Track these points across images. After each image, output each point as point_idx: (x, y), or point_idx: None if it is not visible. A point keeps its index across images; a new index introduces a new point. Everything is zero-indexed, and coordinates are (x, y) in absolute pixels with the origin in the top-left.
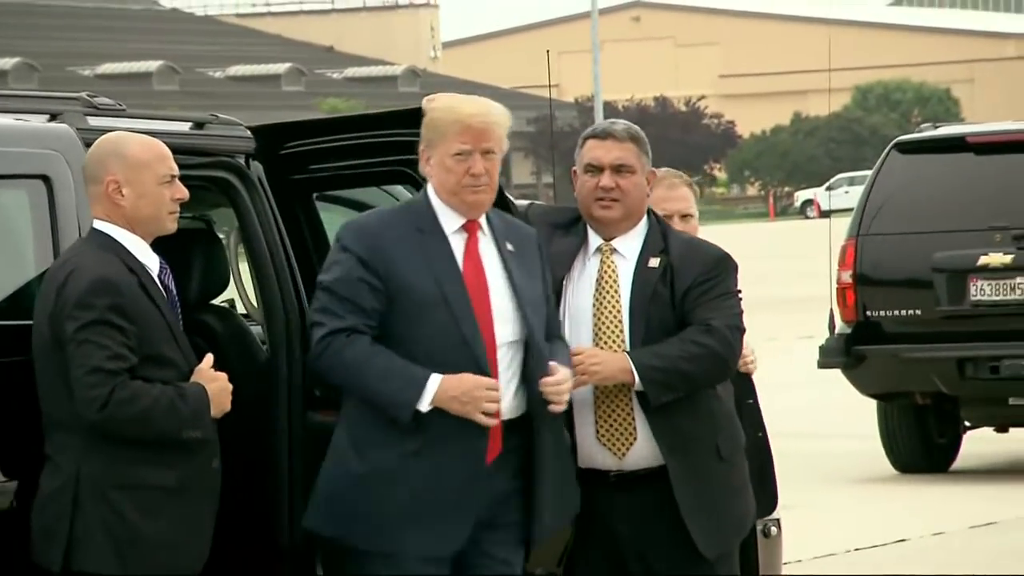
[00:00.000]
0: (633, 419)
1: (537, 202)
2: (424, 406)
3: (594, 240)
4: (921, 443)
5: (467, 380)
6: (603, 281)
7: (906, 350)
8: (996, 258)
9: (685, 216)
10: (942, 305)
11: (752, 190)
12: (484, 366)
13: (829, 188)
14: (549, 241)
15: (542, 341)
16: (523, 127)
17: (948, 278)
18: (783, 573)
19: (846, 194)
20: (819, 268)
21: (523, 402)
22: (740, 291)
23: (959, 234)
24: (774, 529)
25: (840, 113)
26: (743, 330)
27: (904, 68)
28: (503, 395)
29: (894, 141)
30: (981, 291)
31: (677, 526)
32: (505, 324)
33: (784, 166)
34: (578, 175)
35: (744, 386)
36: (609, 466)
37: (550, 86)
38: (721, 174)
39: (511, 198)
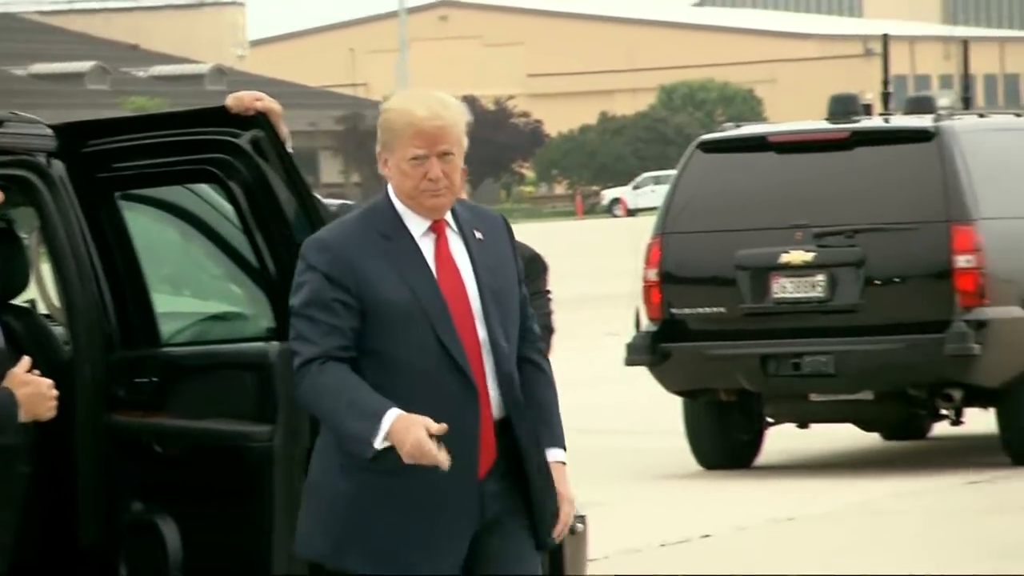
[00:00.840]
0: None
1: (348, 202)
2: (378, 444)
3: (422, 222)
4: (725, 439)
5: (411, 433)
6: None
7: (710, 347)
8: (797, 256)
9: None
10: (745, 303)
11: (560, 189)
12: (468, 373)
13: (636, 187)
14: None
15: (512, 339)
16: (331, 126)
17: (751, 276)
18: (588, 573)
19: (652, 193)
20: (626, 266)
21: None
22: (550, 291)
23: (761, 232)
24: (580, 526)
25: (646, 113)
26: (553, 330)
27: (708, 68)
28: (492, 398)
29: (697, 140)
30: (783, 288)
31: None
32: (481, 323)
33: (591, 165)
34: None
35: None
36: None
37: (354, 85)
38: (529, 173)
39: (320, 197)
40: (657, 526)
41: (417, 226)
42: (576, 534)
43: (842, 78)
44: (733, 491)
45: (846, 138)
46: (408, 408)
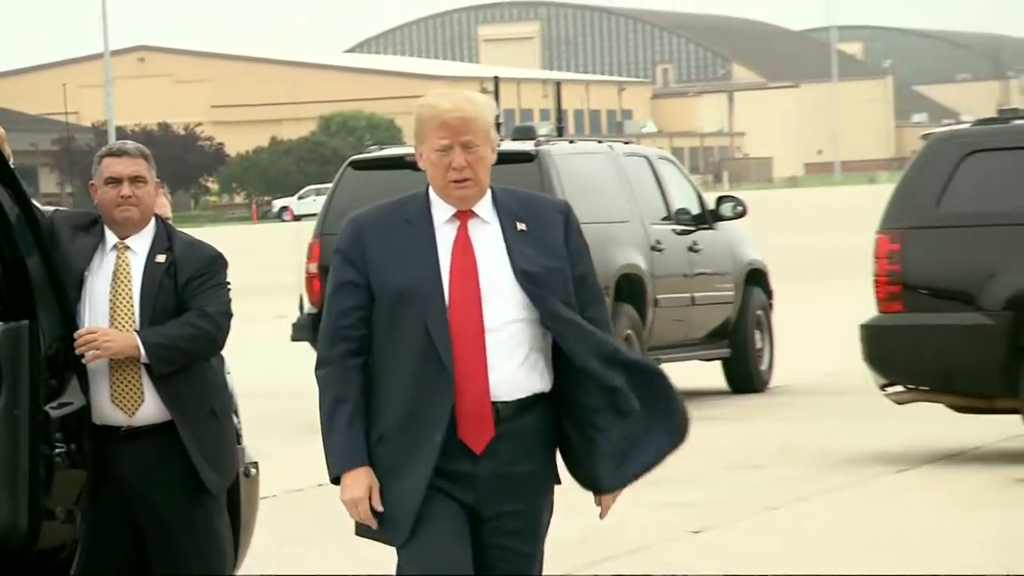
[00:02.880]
0: (141, 385)
1: (61, 208)
2: (331, 478)
3: (111, 239)
4: None
5: (353, 492)
6: (118, 273)
7: None
8: None
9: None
10: None
11: (239, 199)
12: (443, 356)
13: (300, 197)
14: (72, 240)
15: (562, 311)
16: (48, 147)
17: None
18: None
19: (313, 202)
20: (291, 261)
21: (539, 380)
22: (229, 283)
23: None
24: (253, 470)
25: (308, 137)
26: (231, 315)
27: (358, 102)
28: (504, 376)
29: (349, 160)
30: None
31: (184, 469)
32: (504, 303)
33: (264, 179)
34: (97, 187)
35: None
36: (120, 422)
37: (67, 113)
38: (213, 186)
39: (38, 204)
40: (314, 471)
41: (442, 214)
42: (250, 477)
43: None
44: None
45: None
46: (395, 386)
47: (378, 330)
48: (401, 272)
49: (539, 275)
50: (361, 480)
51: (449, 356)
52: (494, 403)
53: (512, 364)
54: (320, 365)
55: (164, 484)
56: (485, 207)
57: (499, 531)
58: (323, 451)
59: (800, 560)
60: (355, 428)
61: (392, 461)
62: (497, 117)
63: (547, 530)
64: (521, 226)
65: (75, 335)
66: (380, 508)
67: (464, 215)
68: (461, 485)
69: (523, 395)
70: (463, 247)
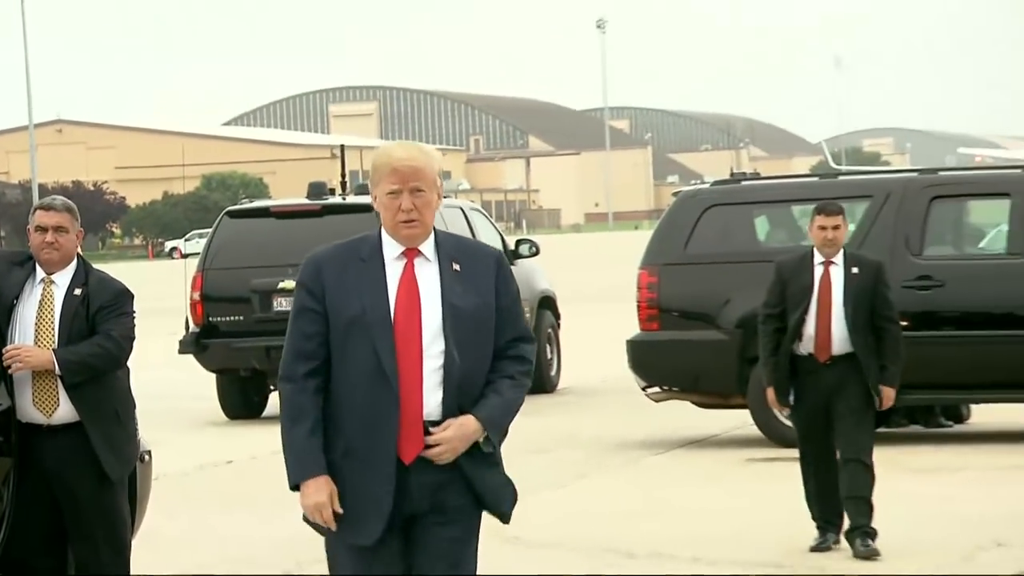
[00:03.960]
0: (57, 392)
1: (2, 249)
2: (291, 486)
3: (40, 273)
4: (244, 400)
5: (315, 499)
6: (43, 302)
7: (235, 342)
8: (289, 284)
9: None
10: (256, 313)
11: (137, 240)
12: (392, 380)
13: (187, 239)
14: (8, 274)
15: (459, 350)
16: None
17: (260, 296)
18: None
19: (197, 243)
20: (179, 290)
21: (468, 402)
22: (135, 312)
23: (267, 268)
24: (147, 457)
25: (194, 192)
26: (133, 338)
27: (233, 164)
28: (437, 398)
29: (226, 210)
30: (280, 304)
31: (92, 460)
32: (435, 338)
33: (158, 225)
34: (31, 233)
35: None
36: (41, 421)
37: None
38: (117, 230)
39: None
40: (198, 455)
41: (392, 252)
42: (144, 463)
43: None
44: (248, 433)
45: (319, 210)
46: (348, 402)
47: (334, 354)
48: (355, 303)
49: (463, 309)
50: (322, 487)
51: (395, 376)
52: (426, 421)
53: (443, 387)
54: (283, 380)
55: (76, 471)
56: (429, 247)
57: (429, 528)
58: (284, 460)
59: (582, 527)
60: (314, 440)
61: (357, 470)
62: (343, 177)
63: (478, 525)
64: (456, 267)
65: (3, 350)
66: (340, 511)
67: (411, 252)
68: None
69: (450, 414)
70: (408, 282)
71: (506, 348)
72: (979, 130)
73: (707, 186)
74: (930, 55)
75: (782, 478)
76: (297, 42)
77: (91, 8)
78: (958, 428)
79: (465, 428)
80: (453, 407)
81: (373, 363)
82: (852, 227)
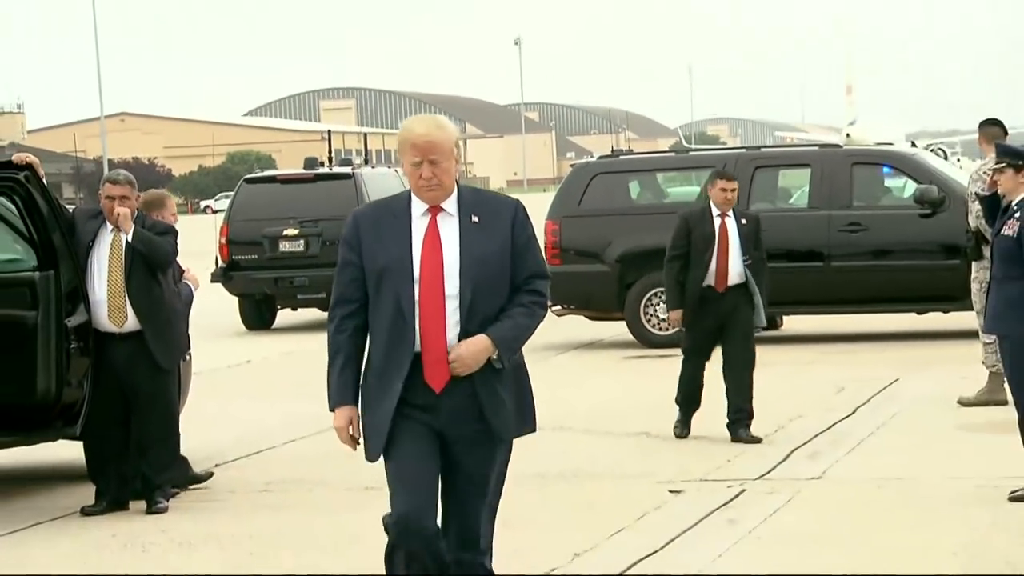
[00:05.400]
0: (126, 308)
1: (80, 207)
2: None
3: (109, 225)
4: (259, 316)
5: (337, 421)
6: (114, 244)
7: (252, 274)
8: (291, 231)
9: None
10: (267, 253)
11: (180, 201)
12: (410, 318)
13: (216, 199)
14: (84, 224)
15: (474, 291)
16: (68, 171)
17: (269, 240)
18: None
19: (224, 202)
20: (212, 236)
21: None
22: (177, 238)
23: (274, 220)
24: (188, 357)
25: (221, 165)
26: (177, 252)
27: (249, 145)
28: (451, 336)
29: (244, 178)
30: (285, 247)
31: (150, 357)
32: (455, 282)
33: (195, 190)
34: (101, 198)
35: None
36: (114, 330)
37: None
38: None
39: (63, 204)
40: (226, 357)
41: (418, 209)
42: (186, 362)
43: (310, 150)
44: (262, 340)
45: (312, 178)
46: (378, 337)
47: (370, 298)
48: (383, 254)
49: (480, 255)
50: (343, 414)
51: (413, 318)
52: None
53: (462, 325)
54: (329, 320)
55: (139, 365)
56: (451, 203)
57: (460, 445)
58: (327, 385)
59: None
60: (345, 374)
61: (370, 397)
62: (330, 153)
63: (509, 450)
64: (475, 218)
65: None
66: (358, 436)
67: (434, 209)
68: (429, 414)
69: None
70: (432, 235)
71: (522, 284)
72: (790, 119)
73: (595, 160)
74: (761, 61)
75: (649, 372)
76: (295, 49)
77: (137, 22)
78: (773, 332)
79: (476, 344)
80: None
81: (396, 305)
82: (697, 189)
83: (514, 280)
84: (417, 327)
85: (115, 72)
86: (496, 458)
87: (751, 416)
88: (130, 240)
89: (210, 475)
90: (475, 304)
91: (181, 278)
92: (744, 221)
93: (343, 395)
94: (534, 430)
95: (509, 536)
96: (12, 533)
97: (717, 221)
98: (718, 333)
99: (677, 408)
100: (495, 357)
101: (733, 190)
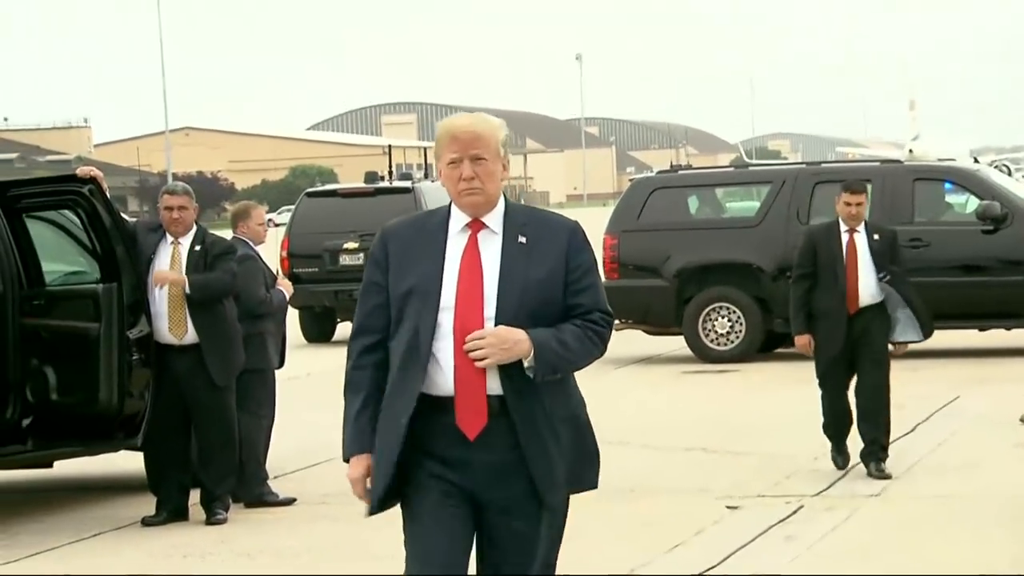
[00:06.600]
0: (186, 320)
1: (142, 220)
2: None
3: (169, 238)
4: (321, 328)
5: (352, 473)
6: (173, 257)
7: (312, 287)
8: (352, 245)
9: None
10: (327, 266)
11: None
12: (424, 350)
13: (278, 212)
14: (146, 237)
15: (514, 320)
16: (132, 184)
17: (330, 254)
18: None
19: (286, 213)
20: (274, 250)
21: (505, 380)
22: (236, 258)
23: (335, 234)
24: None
25: (283, 179)
26: (236, 274)
27: (312, 159)
28: (488, 375)
29: (305, 191)
30: (346, 260)
31: (207, 372)
32: (491, 309)
33: (258, 202)
34: (160, 210)
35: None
36: (175, 342)
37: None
38: (229, 206)
39: (125, 217)
40: (287, 369)
41: (457, 225)
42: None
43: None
44: (322, 353)
45: (372, 191)
46: (392, 370)
47: (392, 324)
48: (410, 275)
49: (524, 284)
50: (359, 465)
51: (428, 349)
52: (490, 396)
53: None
54: (348, 353)
55: (198, 378)
56: (495, 219)
57: (498, 512)
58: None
59: None
60: (362, 418)
61: (379, 441)
62: (390, 168)
63: (562, 516)
64: (522, 239)
65: (150, 281)
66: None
67: (475, 225)
68: (458, 471)
69: (509, 390)
70: (471, 254)
71: (577, 318)
72: (852, 134)
73: (654, 174)
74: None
75: (707, 386)
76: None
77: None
78: None
79: (509, 334)
80: (512, 382)
81: (412, 336)
82: (757, 204)
83: (567, 316)
84: (445, 360)
85: (180, 87)
86: (543, 528)
87: (885, 448)
88: (188, 292)
89: (292, 501)
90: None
91: (274, 284)
92: (877, 236)
93: (359, 442)
94: (595, 486)
95: (565, 550)
96: (76, 543)
97: (845, 237)
98: (851, 358)
99: (828, 439)
100: (528, 363)
101: (859, 204)
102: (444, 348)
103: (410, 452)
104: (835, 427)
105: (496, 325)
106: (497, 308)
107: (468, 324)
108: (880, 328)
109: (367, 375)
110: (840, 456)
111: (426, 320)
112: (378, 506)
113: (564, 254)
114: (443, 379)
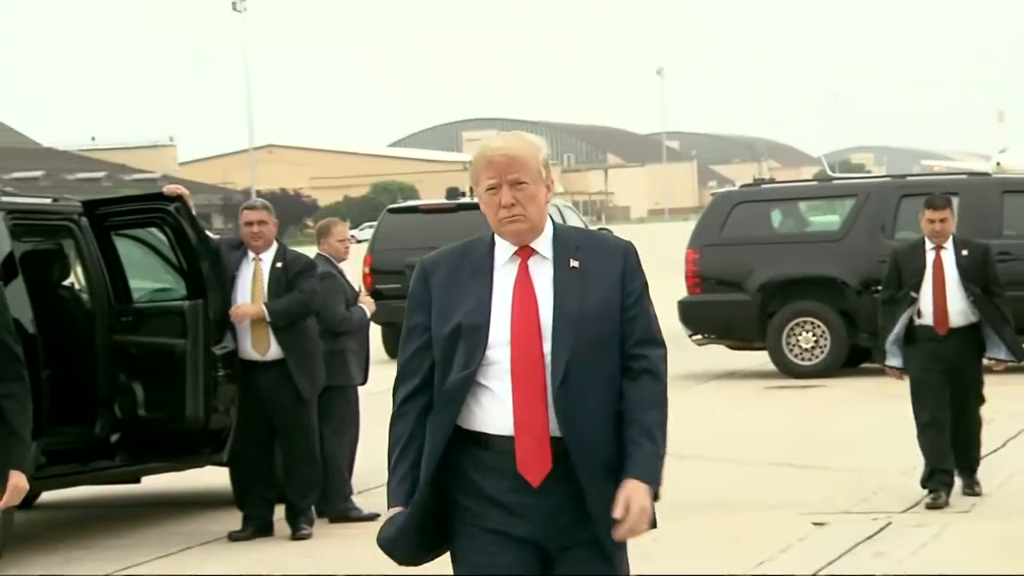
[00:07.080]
0: (269, 336)
1: (225, 237)
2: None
3: (250, 255)
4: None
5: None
6: (255, 274)
7: (394, 303)
8: None
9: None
10: (409, 283)
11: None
12: (455, 403)
13: (361, 229)
14: (229, 254)
15: (572, 353)
16: (217, 201)
17: (412, 270)
18: None
19: (368, 231)
20: (357, 266)
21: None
22: (317, 275)
23: (416, 250)
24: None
25: (366, 196)
26: (317, 292)
27: (392, 176)
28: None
29: (387, 208)
30: None
31: (292, 386)
32: (548, 342)
33: (340, 218)
34: (241, 226)
35: None
36: (258, 358)
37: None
38: (312, 223)
39: (210, 234)
40: (369, 384)
41: (503, 255)
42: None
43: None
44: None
45: (454, 207)
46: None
47: (440, 365)
48: (455, 314)
49: (579, 312)
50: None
51: (478, 389)
52: (553, 437)
53: (563, 404)
54: (393, 400)
55: (282, 393)
56: (544, 244)
57: (562, 559)
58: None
59: None
60: (402, 468)
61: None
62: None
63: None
64: (574, 263)
65: (231, 309)
66: None
67: (524, 252)
68: (520, 518)
69: (569, 430)
70: (523, 284)
71: (631, 359)
72: (938, 147)
73: (736, 188)
74: (908, 88)
75: (790, 401)
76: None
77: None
78: None
79: (640, 498)
80: (569, 423)
81: (463, 375)
82: (840, 218)
83: (622, 345)
84: (501, 401)
85: (264, 105)
86: (618, 568)
87: (977, 463)
88: (268, 320)
89: (376, 516)
90: (570, 376)
91: (356, 302)
92: (966, 252)
93: (398, 496)
94: (654, 525)
95: (650, 567)
96: (163, 557)
97: (931, 255)
98: (946, 382)
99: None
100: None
101: (943, 220)
102: (500, 388)
103: (460, 496)
104: (937, 464)
105: (553, 360)
106: (552, 343)
107: (526, 361)
108: (974, 351)
109: (410, 423)
110: (940, 497)
111: (477, 358)
112: (403, 553)
113: (620, 276)
114: (495, 420)
